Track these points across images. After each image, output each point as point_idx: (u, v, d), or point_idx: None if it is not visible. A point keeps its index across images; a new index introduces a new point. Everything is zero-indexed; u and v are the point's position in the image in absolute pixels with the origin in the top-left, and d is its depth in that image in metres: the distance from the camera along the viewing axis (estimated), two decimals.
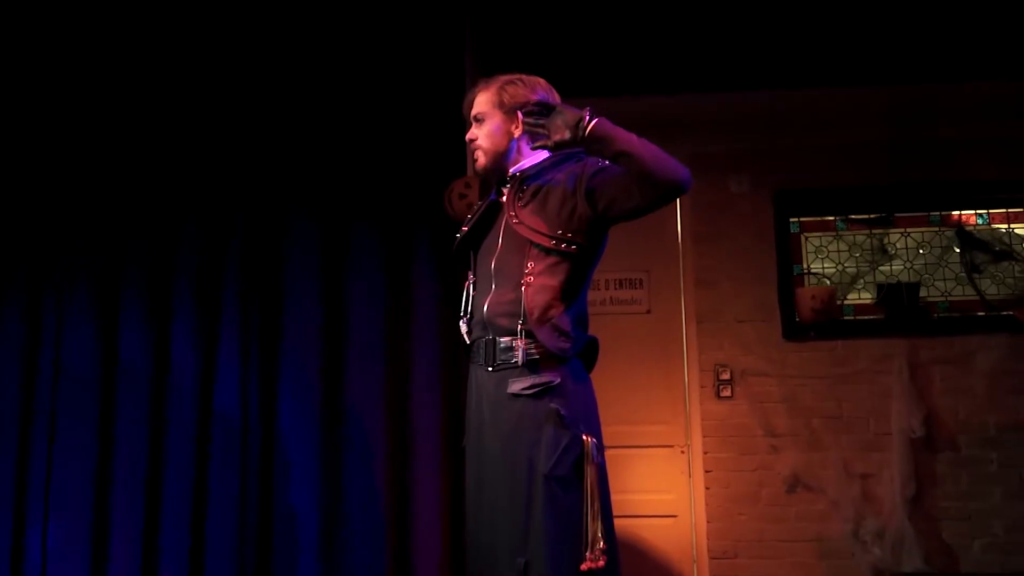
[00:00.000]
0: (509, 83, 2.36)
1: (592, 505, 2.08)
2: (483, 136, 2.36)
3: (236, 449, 3.51)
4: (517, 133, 2.33)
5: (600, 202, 2.19)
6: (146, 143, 3.76)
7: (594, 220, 2.21)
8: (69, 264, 3.66)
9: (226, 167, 3.75)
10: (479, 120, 2.37)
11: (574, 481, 2.10)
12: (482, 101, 2.37)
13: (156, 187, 3.73)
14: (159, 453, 3.52)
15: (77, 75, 3.78)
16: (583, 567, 2.04)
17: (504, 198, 2.36)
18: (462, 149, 3.77)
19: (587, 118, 2.11)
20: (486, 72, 3.85)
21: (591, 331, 2.30)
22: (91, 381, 3.56)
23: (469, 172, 3.71)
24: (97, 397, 3.55)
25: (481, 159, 2.37)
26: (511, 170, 2.36)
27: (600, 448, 2.15)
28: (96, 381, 3.56)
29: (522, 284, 2.20)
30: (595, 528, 2.07)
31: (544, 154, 2.34)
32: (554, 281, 2.19)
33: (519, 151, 2.37)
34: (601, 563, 2.05)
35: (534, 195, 2.28)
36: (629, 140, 2.10)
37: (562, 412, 2.13)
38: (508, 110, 2.33)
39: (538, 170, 2.34)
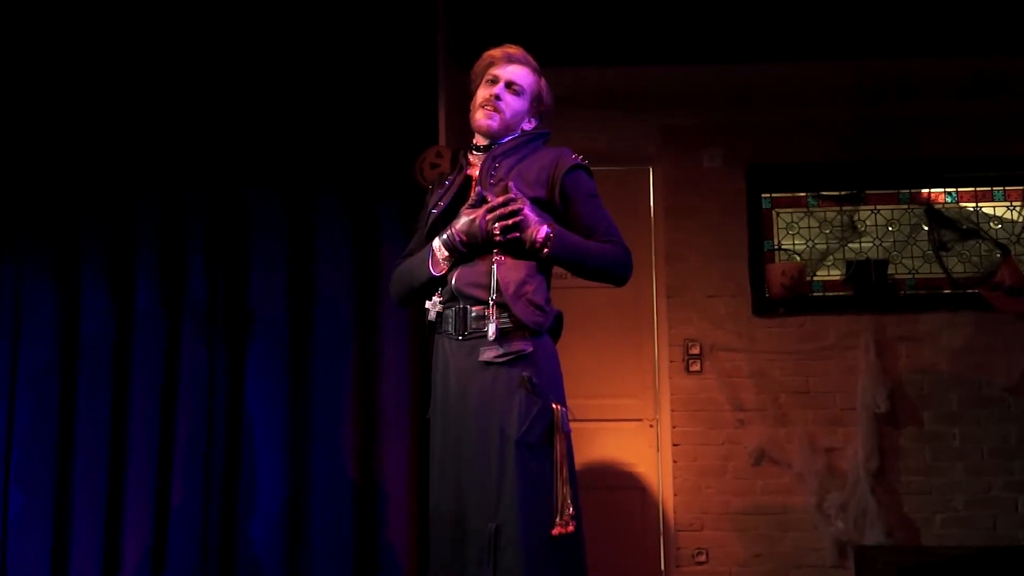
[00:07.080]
0: (546, 91, 2.46)
1: (561, 471, 2.13)
2: (510, 106, 2.39)
3: (203, 422, 3.45)
4: (528, 127, 2.43)
5: (562, 208, 2.31)
6: (106, 109, 3.64)
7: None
8: (29, 233, 3.55)
9: (187, 135, 3.63)
10: (515, 91, 2.40)
11: (544, 448, 2.14)
12: (524, 76, 2.42)
13: (117, 156, 3.62)
14: (122, 429, 3.44)
15: (35, 45, 3.64)
16: (554, 532, 2.08)
17: (475, 170, 2.39)
18: (434, 117, 3.73)
19: (547, 243, 2.22)
20: (457, 37, 3.83)
21: (561, 304, 2.36)
22: (52, 354, 3.47)
23: (441, 141, 3.66)
24: (58, 370, 3.47)
25: (495, 124, 2.38)
26: (493, 141, 2.41)
27: (567, 417, 2.21)
28: (57, 353, 3.47)
29: (493, 260, 2.22)
30: (565, 494, 2.11)
31: (516, 132, 2.42)
32: (527, 258, 2.24)
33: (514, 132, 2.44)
34: (571, 528, 2.10)
35: (507, 173, 2.31)
36: (581, 263, 2.28)
37: (534, 380, 2.17)
38: (536, 108, 2.43)
39: (512, 147, 2.38)
